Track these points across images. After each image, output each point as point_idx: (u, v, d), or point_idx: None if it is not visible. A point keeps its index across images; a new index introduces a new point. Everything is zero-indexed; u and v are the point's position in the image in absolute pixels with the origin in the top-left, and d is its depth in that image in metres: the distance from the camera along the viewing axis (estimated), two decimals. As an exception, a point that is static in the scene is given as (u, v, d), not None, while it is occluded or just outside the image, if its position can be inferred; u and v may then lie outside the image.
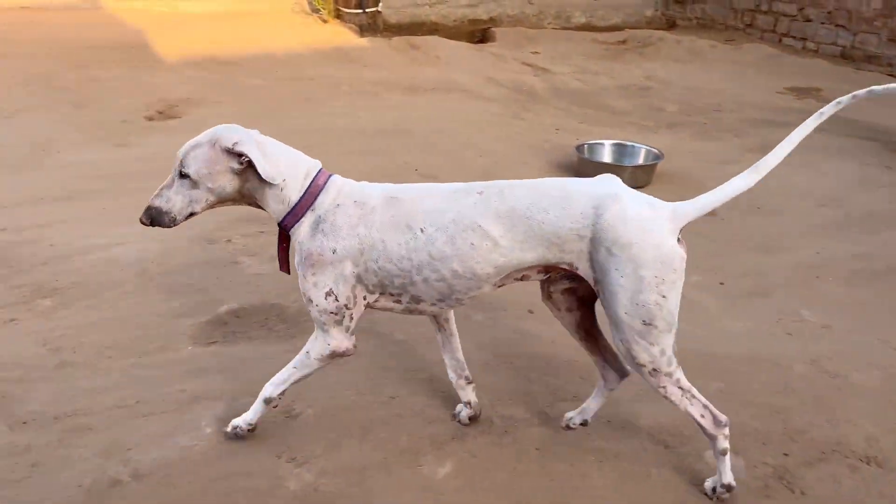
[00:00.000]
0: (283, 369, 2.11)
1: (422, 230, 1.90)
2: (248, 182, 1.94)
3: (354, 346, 2.06)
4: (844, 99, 1.87)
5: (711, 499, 2.06)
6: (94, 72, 6.56)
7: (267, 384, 2.13)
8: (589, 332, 2.14)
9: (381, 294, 2.00)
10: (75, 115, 5.44)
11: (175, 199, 1.93)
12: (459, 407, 2.33)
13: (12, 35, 7.68)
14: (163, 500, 2.01)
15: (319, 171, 2.01)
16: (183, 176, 1.92)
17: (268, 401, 2.15)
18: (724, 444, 1.97)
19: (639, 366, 1.90)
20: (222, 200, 1.97)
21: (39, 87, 6.05)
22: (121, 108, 5.59)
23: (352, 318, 2.02)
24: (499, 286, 1.98)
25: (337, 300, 1.96)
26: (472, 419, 2.32)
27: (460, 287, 1.93)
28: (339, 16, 8.67)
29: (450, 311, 2.20)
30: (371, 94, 6.32)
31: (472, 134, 5.32)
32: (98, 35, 7.78)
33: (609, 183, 1.91)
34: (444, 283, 1.92)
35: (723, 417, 1.95)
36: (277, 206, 1.97)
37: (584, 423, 2.29)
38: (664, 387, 1.91)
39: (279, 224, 2.01)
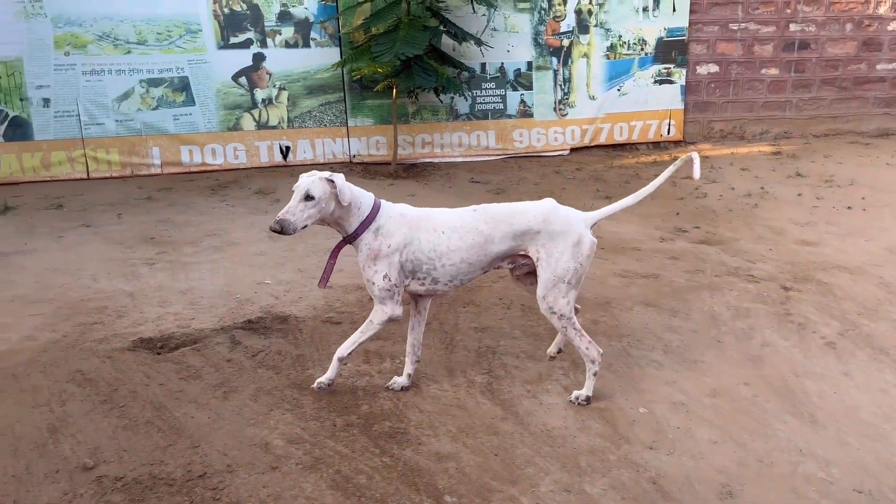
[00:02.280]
0: (352, 335, 3.11)
1: (443, 232, 2.96)
2: (339, 206, 2.91)
3: (401, 314, 3.04)
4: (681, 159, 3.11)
5: (574, 404, 3.11)
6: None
7: (339, 347, 3.12)
8: None
9: (412, 279, 3.02)
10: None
11: (298, 215, 2.83)
12: (401, 379, 3.22)
13: None
14: None
15: (375, 198, 3.02)
16: (308, 198, 2.84)
17: (341, 359, 3.13)
18: (596, 367, 3.09)
19: (552, 313, 3.01)
20: (322, 218, 2.91)
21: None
22: None
23: (399, 294, 3.01)
24: (485, 272, 3.09)
25: (390, 280, 2.97)
26: (405, 389, 3.19)
27: (464, 269, 2.99)
28: None
29: (429, 300, 3.22)
30: None
31: None
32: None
33: (546, 201, 3.09)
34: (455, 268, 2.97)
35: (599, 350, 3.10)
36: (355, 221, 2.96)
37: (560, 351, 3.46)
38: (565, 328, 3.04)
39: (349, 236, 2.99)
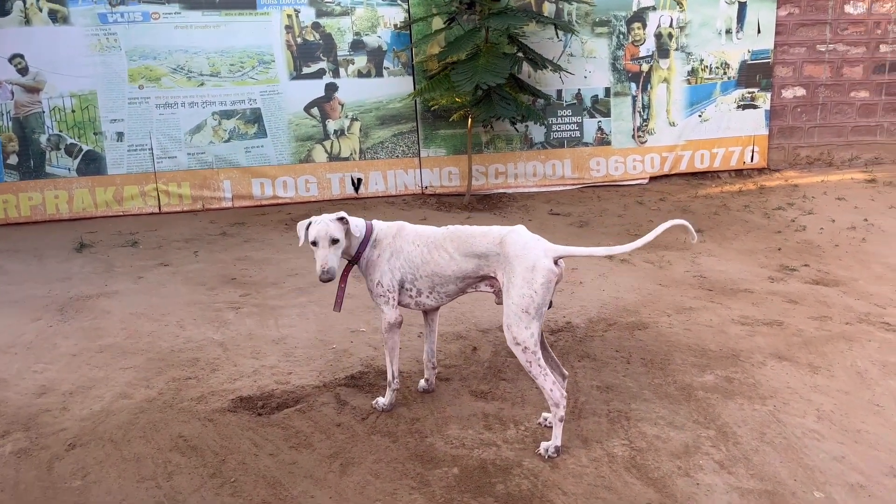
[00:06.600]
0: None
1: (417, 245, 3.22)
2: (350, 238, 3.18)
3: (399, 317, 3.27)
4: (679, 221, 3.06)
5: (545, 460, 2.93)
6: None
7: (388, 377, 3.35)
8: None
9: (400, 289, 3.24)
10: None
11: (334, 260, 3.06)
12: (421, 382, 3.55)
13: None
14: None
15: (367, 222, 3.26)
16: (334, 242, 3.08)
17: (389, 383, 3.34)
18: (562, 412, 2.93)
19: (517, 344, 2.93)
20: (345, 253, 3.18)
21: None
22: None
23: (394, 300, 3.23)
24: (462, 287, 3.21)
25: (382, 286, 3.21)
26: (427, 391, 3.51)
27: (438, 281, 3.19)
28: None
29: (437, 312, 3.46)
30: None
31: None
32: None
33: (515, 227, 3.12)
34: (429, 280, 3.20)
35: (563, 392, 2.95)
36: (357, 245, 3.20)
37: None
38: (530, 362, 2.92)
39: (353, 258, 3.24)
